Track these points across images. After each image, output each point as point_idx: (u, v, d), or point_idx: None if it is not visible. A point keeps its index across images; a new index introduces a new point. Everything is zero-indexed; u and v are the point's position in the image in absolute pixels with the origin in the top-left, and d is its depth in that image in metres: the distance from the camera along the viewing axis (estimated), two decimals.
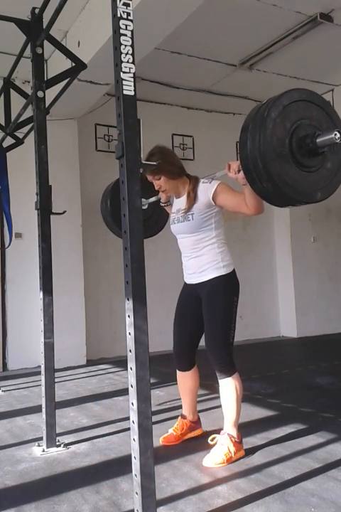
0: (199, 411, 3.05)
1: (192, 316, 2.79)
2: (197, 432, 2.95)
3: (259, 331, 7.38)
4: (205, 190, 2.64)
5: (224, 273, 2.64)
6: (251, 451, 2.67)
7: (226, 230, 2.77)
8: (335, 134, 1.85)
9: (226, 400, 2.62)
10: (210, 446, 2.65)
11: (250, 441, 2.81)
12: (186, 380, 2.89)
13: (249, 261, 7.48)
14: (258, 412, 3.47)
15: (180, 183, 2.77)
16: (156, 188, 2.79)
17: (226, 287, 2.65)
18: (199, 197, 2.66)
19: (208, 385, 3.00)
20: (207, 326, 2.67)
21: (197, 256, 2.70)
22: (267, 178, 1.91)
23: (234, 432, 2.60)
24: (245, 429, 2.96)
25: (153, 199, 3.26)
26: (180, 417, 2.97)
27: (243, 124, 2.01)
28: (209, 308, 2.66)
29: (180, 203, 2.78)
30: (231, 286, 2.67)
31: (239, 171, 2.34)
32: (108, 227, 3.67)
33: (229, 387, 2.60)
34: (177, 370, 2.91)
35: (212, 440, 2.66)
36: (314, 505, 2.03)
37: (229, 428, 2.61)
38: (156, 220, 3.51)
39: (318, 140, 1.91)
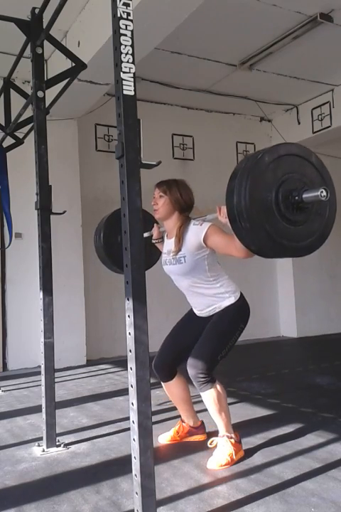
0: (198, 411, 3.03)
1: (194, 335, 2.72)
2: (197, 438, 2.92)
3: (259, 331, 7.38)
4: (196, 232, 2.61)
5: (234, 301, 2.64)
6: (251, 451, 2.67)
7: (221, 263, 2.73)
8: (321, 192, 1.84)
9: (211, 410, 2.59)
10: (210, 447, 2.65)
11: (250, 441, 2.82)
12: (172, 389, 2.86)
13: (249, 261, 7.44)
14: (258, 412, 3.47)
15: (176, 217, 2.72)
16: (153, 202, 2.76)
17: (235, 313, 2.64)
18: (189, 239, 2.63)
19: None
20: (202, 338, 2.63)
21: (199, 295, 2.69)
22: (250, 226, 1.89)
23: (231, 433, 2.60)
24: (245, 429, 2.96)
25: (145, 235, 3.19)
26: (179, 420, 2.97)
27: (232, 172, 1.98)
28: (214, 323, 2.64)
29: (170, 244, 2.74)
30: (241, 313, 2.66)
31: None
32: (101, 260, 3.50)
33: (210, 398, 2.56)
34: (161, 382, 2.86)
35: (210, 444, 2.66)
36: (314, 505, 2.03)
37: (225, 431, 2.60)
38: (149, 253, 3.32)
39: (304, 195, 1.90)
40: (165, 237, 2.87)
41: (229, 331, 2.62)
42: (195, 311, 2.79)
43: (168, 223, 2.77)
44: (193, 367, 2.54)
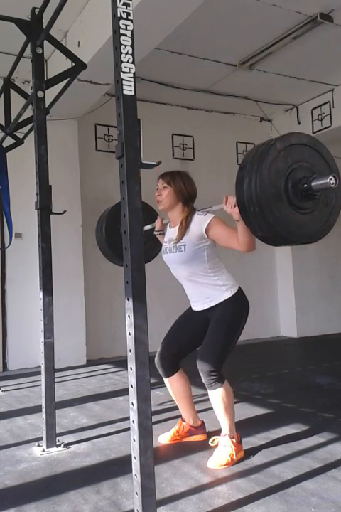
0: (199, 411, 3.04)
1: (192, 331, 2.74)
2: (197, 438, 2.92)
3: (259, 331, 7.38)
4: (199, 222, 2.63)
5: (230, 295, 2.64)
6: (251, 451, 2.67)
7: (221, 259, 2.74)
8: (330, 179, 1.89)
9: (218, 409, 2.59)
10: (211, 446, 2.65)
11: (250, 441, 2.82)
12: (174, 385, 2.86)
13: (249, 261, 7.48)
14: (258, 412, 3.47)
15: (179, 208, 2.74)
16: (156, 193, 2.78)
17: (234, 307, 2.64)
18: (192, 228, 2.64)
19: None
20: (208, 336, 2.63)
21: (196, 287, 2.69)
22: (259, 211, 1.92)
23: (233, 433, 2.61)
24: (245, 429, 2.96)
25: (147, 227, 3.21)
26: (180, 419, 2.97)
27: (242, 161, 2.02)
28: (216, 321, 2.64)
29: (172, 233, 2.76)
30: (240, 306, 2.67)
31: (234, 206, 2.34)
32: (102, 252, 3.55)
33: (218, 397, 2.56)
34: (163, 378, 2.87)
35: (212, 442, 2.66)
36: (314, 505, 2.03)
37: (228, 430, 2.60)
38: (151, 246, 3.39)
39: (313, 183, 1.94)
40: (168, 226, 2.89)
41: (233, 326, 2.62)
42: (192, 304, 2.79)
43: (172, 213, 2.79)
44: (203, 366, 2.55)
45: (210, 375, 2.53)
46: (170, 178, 2.75)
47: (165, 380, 2.87)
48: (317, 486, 2.22)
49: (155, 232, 3.06)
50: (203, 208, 2.72)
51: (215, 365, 2.53)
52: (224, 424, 2.60)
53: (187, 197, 2.75)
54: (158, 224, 3.05)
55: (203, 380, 2.59)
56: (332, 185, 1.89)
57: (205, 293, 2.67)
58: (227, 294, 2.64)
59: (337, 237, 8.11)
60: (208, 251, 2.65)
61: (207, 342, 2.62)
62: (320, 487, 2.21)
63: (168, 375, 2.83)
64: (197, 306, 2.74)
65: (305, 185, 1.95)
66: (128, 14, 1.84)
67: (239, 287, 2.70)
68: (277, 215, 1.91)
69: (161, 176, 2.79)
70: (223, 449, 2.54)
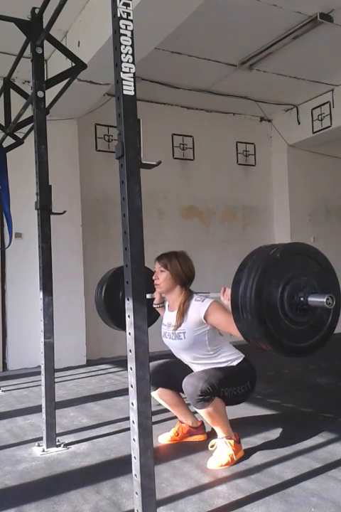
0: (195, 412, 3.03)
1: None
2: (198, 438, 2.92)
3: None
4: (197, 308, 2.61)
5: (237, 363, 2.67)
6: (251, 451, 2.67)
7: (223, 338, 2.73)
8: (327, 299, 1.82)
9: (211, 422, 2.58)
10: (211, 445, 2.65)
11: (250, 441, 2.82)
12: (163, 397, 2.87)
13: None
14: (259, 412, 3.47)
15: (177, 291, 2.72)
16: (154, 276, 2.75)
17: (242, 368, 2.66)
18: (190, 315, 2.62)
19: None
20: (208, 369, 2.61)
21: (200, 368, 2.67)
22: (251, 319, 1.87)
23: (229, 434, 2.60)
24: (245, 429, 2.96)
25: (147, 296, 3.16)
26: (178, 420, 2.97)
27: (242, 261, 1.95)
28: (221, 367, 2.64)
29: (171, 318, 2.73)
30: (247, 371, 2.68)
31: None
32: (99, 314, 3.46)
33: (205, 414, 2.53)
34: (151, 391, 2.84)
35: (211, 446, 2.66)
36: (314, 505, 2.03)
37: (223, 434, 2.59)
38: (149, 312, 3.31)
39: (310, 298, 1.87)
40: (166, 307, 2.87)
41: (237, 374, 2.62)
42: None
43: (170, 296, 2.77)
44: (190, 384, 2.48)
45: (196, 394, 2.44)
46: (167, 260, 2.72)
47: (153, 394, 2.82)
48: (317, 486, 2.22)
49: (155, 305, 3.01)
50: (201, 292, 2.71)
51: (203, 386, 2.44)
52: (218, 430, 2.60)
53: (185, 279, 2.72)
54: (156, 297, 2.98)
55: (188, 398, 2.53)
56: (327, 306, 1.82)
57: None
58: (235, 363, 2.67)
59: (337, 237, 8.11)
60: (209, 335, 2.64)
61: (204, 370, 2.59)
62: (320, 487, 2.21)
63: (154, 389, 2.82)
64: None
65: (302, 299, 1.87)
66: (128, 14, 1.84)
67: (245, 356, 2.71)
68: (270, 325, 1.85)
69: (158, 259, 2.76)
70: (222, 450, 2.55)
